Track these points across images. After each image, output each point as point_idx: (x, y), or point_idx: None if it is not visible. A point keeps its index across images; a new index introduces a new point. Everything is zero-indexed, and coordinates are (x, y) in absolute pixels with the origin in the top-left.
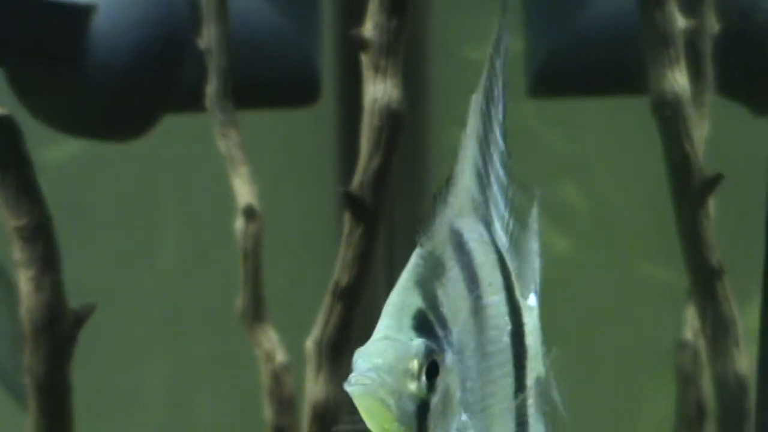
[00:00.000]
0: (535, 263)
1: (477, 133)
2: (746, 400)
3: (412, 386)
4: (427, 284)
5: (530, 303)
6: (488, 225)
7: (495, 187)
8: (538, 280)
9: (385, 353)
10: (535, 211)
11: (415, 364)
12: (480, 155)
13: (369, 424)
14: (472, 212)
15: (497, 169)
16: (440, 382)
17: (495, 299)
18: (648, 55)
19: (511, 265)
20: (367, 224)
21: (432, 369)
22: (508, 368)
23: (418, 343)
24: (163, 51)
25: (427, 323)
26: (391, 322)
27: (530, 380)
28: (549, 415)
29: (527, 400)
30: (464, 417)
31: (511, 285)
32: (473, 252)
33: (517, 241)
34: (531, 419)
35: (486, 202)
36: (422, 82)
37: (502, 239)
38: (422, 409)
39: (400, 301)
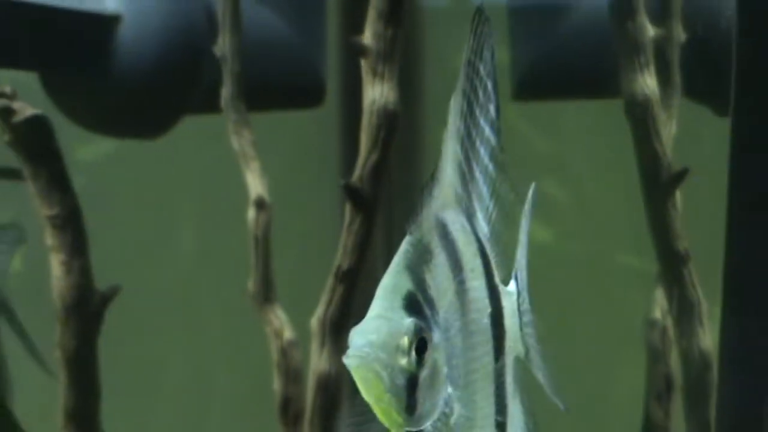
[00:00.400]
0: (519, 252)
1: (458, 132)
2: (709, 373)
3: (403, 361)
4: (416, 268)
5: (510, 288)
6: (470, 216)
7: (480, 181)
8: (522, 267)
9: (378, 330)
10: (527, 206)
11: (405, 341)
12: (462, 152)
13: (364, 394)
14: (455, 204)
15: (485, 164)
16: (428, 357)
17: (476, 284)
18: (621, 61)
19: (490, 252)
20: (365, 214)
21: (421, 345)
22: (489, 347)
23: (408, 321)
24: (182, 58)
25: (416, 304)
26: (384, 303)
27: (508, 359)
28: (527, 390)
29: (505, 377)
30: (450, 390)
31: (491, 271)
32: (456, 240)
33: (499, 231)
34: (509, 394)
35: (469, 195)
36: (416, 85)
37: (484, 229)
38: (412, 382)
39: (392, 283)
